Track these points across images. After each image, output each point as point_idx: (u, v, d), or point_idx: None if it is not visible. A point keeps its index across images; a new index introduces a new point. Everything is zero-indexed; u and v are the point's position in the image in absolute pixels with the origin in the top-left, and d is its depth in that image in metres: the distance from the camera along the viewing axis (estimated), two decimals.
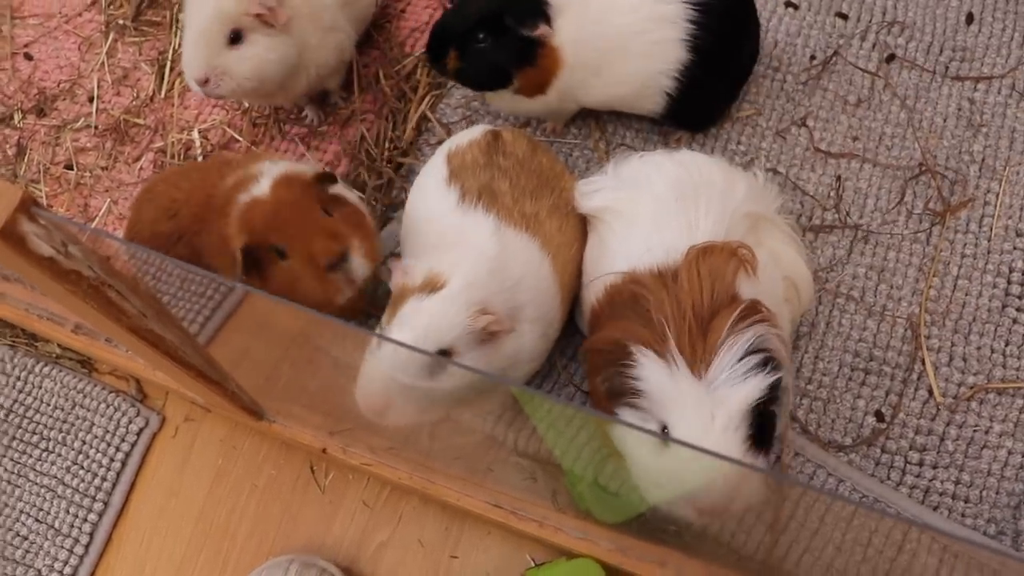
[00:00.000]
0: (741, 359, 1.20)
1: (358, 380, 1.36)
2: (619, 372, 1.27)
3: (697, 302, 1.23)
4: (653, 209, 1.43)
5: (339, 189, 1.60)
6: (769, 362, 1.21)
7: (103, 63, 2.16)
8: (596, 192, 1.55)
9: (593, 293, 1.45)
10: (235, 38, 1.71)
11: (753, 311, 1.23)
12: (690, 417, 1.20)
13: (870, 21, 1.95)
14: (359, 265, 1.51)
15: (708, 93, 1.79)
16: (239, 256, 1.48)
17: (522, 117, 1.95)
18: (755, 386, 1.19)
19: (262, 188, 1.51)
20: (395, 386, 1.33)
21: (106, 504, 1.78)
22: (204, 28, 1.69)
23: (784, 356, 1.26)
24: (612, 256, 1.44)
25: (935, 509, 1.53)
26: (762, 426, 1.21)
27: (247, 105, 2.04)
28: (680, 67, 1.71)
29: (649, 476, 1.24)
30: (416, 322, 1.33)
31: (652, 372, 1.22)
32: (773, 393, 1.22)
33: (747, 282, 1.29)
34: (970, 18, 1.92)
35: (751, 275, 1.30)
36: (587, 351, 1.43)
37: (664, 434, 1.22)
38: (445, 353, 1.34)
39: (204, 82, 1.73)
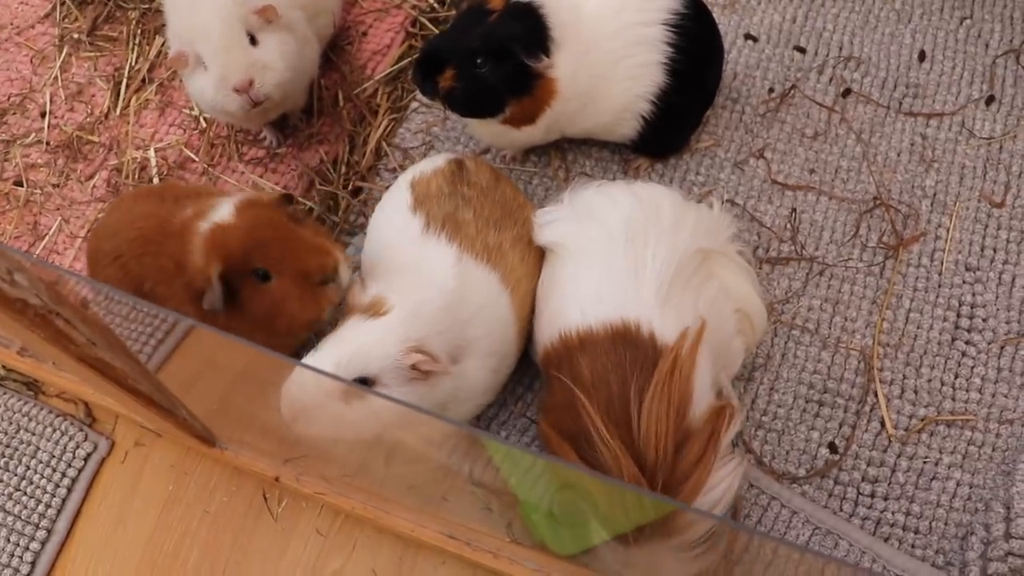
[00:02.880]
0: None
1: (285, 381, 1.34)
2: None
3: (660, 446, 1.26)
4: (605, 250, 1.44)
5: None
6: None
7: (56, 77, 2.12)
8: (551, 224, 1.55)
9: (547, 335, 1.45)
10: (252, 40, 1.73)
11: (720, 423, 1.27)
12: None
13: (827, 55, 1.98)
14: (345, 275, 1.50)
15: (679, 118, 1.81)
16: (217, 284, 1.44)
17: (482, 144, 1.94)
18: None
19: (224, 214, 1.48)
20: (311, 397, 1.31)
21: (49, 532, 1.73)
22: (225, 38, 1.69)
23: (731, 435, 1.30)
24: (563, 296, 1.44)
25: (886, 540, 1.55)
26: None
27: (204, 125, 2.02)
28: (658, 91, 1.73)
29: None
30: (344, 345, 1.31)
31: None
32: None
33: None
34: (922, 56, 1.96)
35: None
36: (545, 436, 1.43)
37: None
38: (366, 382, 1.32)
39: (248, 85, 1.71)
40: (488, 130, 1.79)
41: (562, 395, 1.38)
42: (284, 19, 1.77)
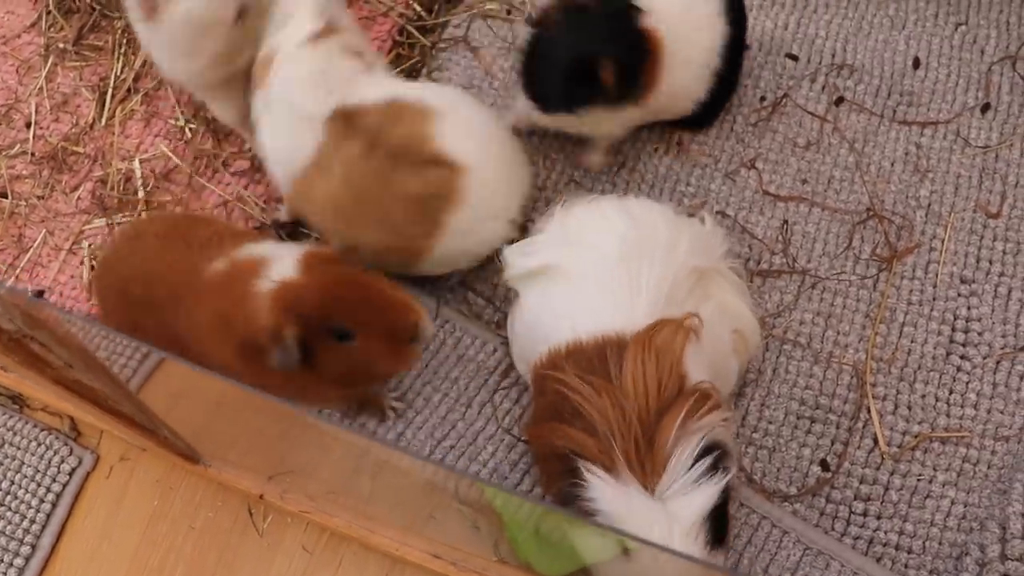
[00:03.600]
0: (692, 466, 1.20)
1: None
2: (571, 487, 1.25)
3: (643, 407, 1.22)
4: (597, 269, 1.42)
5: None
6: (720, 461, 1.21)
7: (42, 88, 2.09)
8: (538, 251, 1.52)
9: (537, 354, 1.43)
10: None
11: (703, 401, 1.22)
12: (648, 535, 1.18)
13: (819, 63, 1.95)
14: (428, 327, 1.44)
15: (731, 77, 1.82)
16: (293, 345, 1.35)
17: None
18: (708, 494, 1.19)
19: (286, 270, 1.39)
20: None
21: (34, 547, 1.72)
22: None
23: (731, 446, 1.26)
24: (555, 315, 1.42)
25: (879, 560, 1.52)
26: (717, 523, 1.20)
27: (189, 135, 2.00)
28: (724, 42, 1.74)
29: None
30: None
31: (604, 494, 1.21)
32: (726, 494, 1.21)
33: (695, 349, 1.28)
34: (916, 63, 1.93)
35: (699, 341, 1.29)
36: (532, 446, 1.41)
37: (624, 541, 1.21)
38: None
39: None
40: (602, 121, 1.74)
41: (547, 410, 1.37)
42: None
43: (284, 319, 1.35)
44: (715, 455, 1.21)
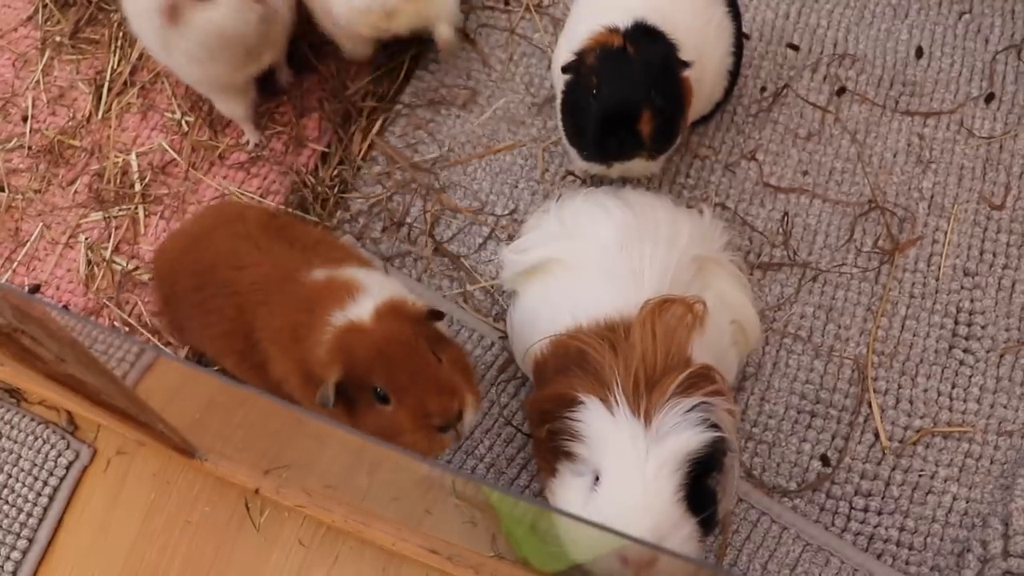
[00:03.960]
0: (685, 413, 1.17)
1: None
2: (562, 419, 1.24)
3: (649, 363, 1.20)
4: (598, 259, 1.40)
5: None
6: (715, 427, 1.18)
7: (38, 81, 2.08)
8: (535, 247, 1.51)
9: (538, 346, 1.41)
10: None
11: (705, 378, 1.20)
12: (624, 457, 1.17)
13: (821, 53, 1.93)
14: (470, 421, 1.35)
15: (736, 68, 1.80)
16: (330, 390, 1.31)
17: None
18: (695, 437, 1.16)
19: (362, 312, 1.34)
20: None
21: (31, 541, 1.71)
22: None
23: (730, 430, 1.23)
24: (555, 306, 1.40)
25: (879, 557, 1.51)
26: (700, 497, 1.18)
27: (186, 128, 1.98)
28: (733, 39, 1.73)
29: (577, 533, 1.21)
30: None
31: (592, 414, 1.20)
32: (714, 457, 1.18)
33: (699, 336, 1.27)
34: (919, 52, 1.91)
35: (702, 328, 1.27)
36: (532, 406, 1.39)
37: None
38: None
39: None
40: (644, 166, 1.67)
41: (553, 374, 1.36)
42: None
43: (333, 361, 1.31)
44: (710, 421, 1.18)
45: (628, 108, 1.53)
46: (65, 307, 1.65)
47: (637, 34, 1.55)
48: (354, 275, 1.41)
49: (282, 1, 1.77)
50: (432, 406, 1.30)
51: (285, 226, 1.57)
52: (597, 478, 1.19)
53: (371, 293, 1.36)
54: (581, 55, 1.57)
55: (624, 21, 1.56)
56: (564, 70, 1.59)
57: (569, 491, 1.24)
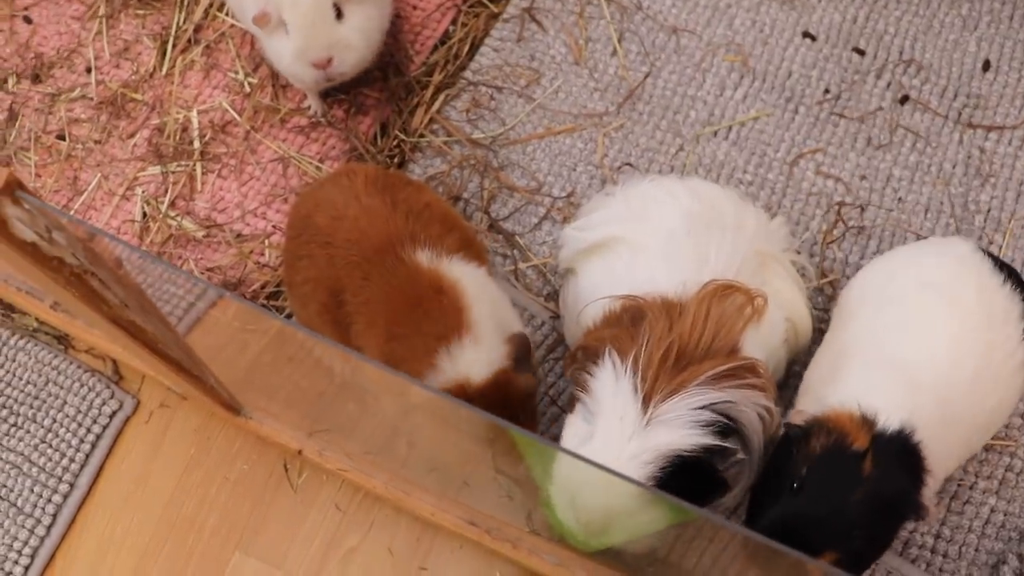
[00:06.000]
0: (697, 409, 1.17)
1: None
2: (584, 366, 1.26)
3: (692, 341, 1.21)
4: (664, 240, 1.40)
5: None
6: (727, 432, 1.19)
7: (103, 33, 2.10)
8: (599, 225, 1.51)
9: (590, 317, 1.42)
10: (338, 12, 1.72)
11: (750, 371, 1.20)
12: (608, 432, 1.19)
13: (887, 59, 1.93)
14: None
15: None
16: None
17: None
18: (687, 438, 1.17)
19: (473, 372, 1.32)
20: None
21: (72, 486, 1.74)
22: (312, 12, 1.69)
23: (756, 432, 1.23)
24: (616, 284, 1.40)
25: (913, 561, 1.51)
26: (691, 484, 1.18)
27: (248, 89, 2.00)
28: None
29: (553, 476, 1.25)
30: None
31: (604, 375, 1.22)
32: (716, 457, 1.19)
33: (753, 328, 1.27)
34: (987, 65, 1.90)
35: (757, 323, 1.28)
36: (573, 354, 1.40)
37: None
38: None
39: (326, 63, 1.73)
40: None
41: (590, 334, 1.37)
42: None
43: None
44: (724, 424, 1.18)
45: (815, 532, 1.19)
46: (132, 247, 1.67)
47: (889, 449, 1.21)
48: (462, 291, 1.36)
49: (359, 37, 1.76)
50: None
51: (392, 184, 1.52)
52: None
53: (482, 337, 1.34)
54: (811, 431, 1.24)
55: (887, 415, 1.22)
56: (787, 433, 1.29)
57: (572, 432, 1.28)
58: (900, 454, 1.22)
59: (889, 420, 1.22)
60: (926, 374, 1.27)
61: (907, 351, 1.30)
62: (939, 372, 1.28)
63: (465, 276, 1.39)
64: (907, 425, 1.22)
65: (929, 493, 1.25)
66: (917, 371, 1.28)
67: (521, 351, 1.35)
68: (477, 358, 1.33)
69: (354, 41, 1.75)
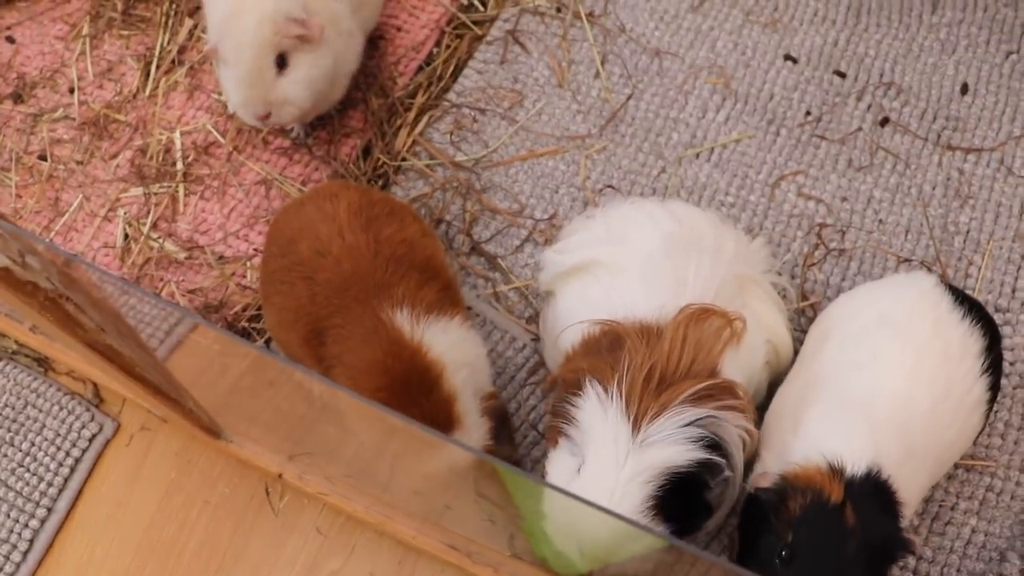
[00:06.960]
0: (686, 426, 1.18)
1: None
2: (566, 398, 1.27)
3: (671, 365, 1.21)
4: (642, 263, 1.41)
5: None
6: (714, 447, 1.19)
7: (87, 54, 2.10)
8: (578, 248, 1.52)
9: (569, 341, 1.42)
10: (281, 63, 1.70)
11: (726, 391, 1.21)
12: (603, 457, 1.19)
13: (867, 82, 1.94)
14: None
15: None
16: None
17: None
18: (681, 453, 1.18)
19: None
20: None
21: (50, 510, 1.72)
22: (252, 65, 1.67)
23: (737, 452, 1.23)
24: (594, 307, 1.41)
25: None
26: (686, 505, 1.19)
27: (232, 111, 2.00)
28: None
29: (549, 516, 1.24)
30: None
31: (589, 404, 1.22)
32: (706, 475, 1.19)
33: (731, 351, 1.28)
34: (965, 88, 1.92)
35: (736, 346, 1.28)
36: (553, 380, 1.40)
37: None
38: None
39: (265, 117, 1.73)
40: None
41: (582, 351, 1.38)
42: (325, 29, 1.72)
43: None
44: (711, 440, 1.19)
45: None
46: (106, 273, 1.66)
47: (864, 493, 1.20)
48: (447, 378, 1.34)
49: (300, 90, 1.74)
50: None
51: (377, 217, 1.49)
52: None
53: (467, 426, 1.34)
54: (784, 492, 1.22)
55: (853, 461, 1.21)
56: (759, 496, 1.26)
57: (559, 468, 1.28)
58: (874, 496, 1.21)
59: (856, 464, 1.21)
60: (884, 409, 1.28)
61: (865, 388, 1.31)
62: (896, 406, 1.29)
63: (445, 347, 1.36)
64: (873, 465, 1.22)
65: (905, 523, 1.25)
66: (875, 407, 1.28)
67: (499, 421, 1.37)
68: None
69: (292, 95, 1.72)
